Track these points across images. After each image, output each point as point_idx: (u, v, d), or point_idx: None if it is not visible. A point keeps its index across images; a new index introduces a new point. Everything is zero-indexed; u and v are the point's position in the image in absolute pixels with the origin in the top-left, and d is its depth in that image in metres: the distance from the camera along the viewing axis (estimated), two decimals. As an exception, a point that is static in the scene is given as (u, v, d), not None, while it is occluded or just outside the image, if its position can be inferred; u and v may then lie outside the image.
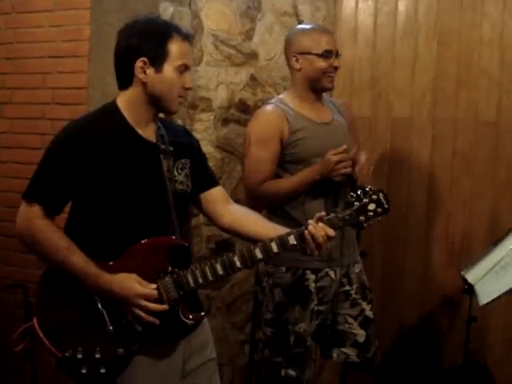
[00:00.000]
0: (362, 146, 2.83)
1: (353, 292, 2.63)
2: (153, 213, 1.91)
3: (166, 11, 2.93)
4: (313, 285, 2.54)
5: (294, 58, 2.57)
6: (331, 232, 1.92)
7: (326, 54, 2.54)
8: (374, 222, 1.97)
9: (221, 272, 1.89)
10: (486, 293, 2.56)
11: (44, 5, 3.07)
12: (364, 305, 2.65)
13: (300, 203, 2.52)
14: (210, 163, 2.23)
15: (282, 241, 1.91)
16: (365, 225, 1.96)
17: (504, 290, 2.53)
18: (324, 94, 2.70)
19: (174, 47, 1.89)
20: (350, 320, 2.62)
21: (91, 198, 1.88)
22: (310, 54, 2.54)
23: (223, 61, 3.19)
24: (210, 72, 3.12)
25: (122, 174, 1.87)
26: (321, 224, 1.92)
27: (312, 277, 2.54)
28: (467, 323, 2.77)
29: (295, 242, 1.92)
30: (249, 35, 3.33)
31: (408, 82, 3.47)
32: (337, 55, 2.58)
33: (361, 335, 2.62)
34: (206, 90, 3.10)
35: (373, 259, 3.44)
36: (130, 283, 1.84)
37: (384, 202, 1.96)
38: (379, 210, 1.95)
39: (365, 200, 1.94)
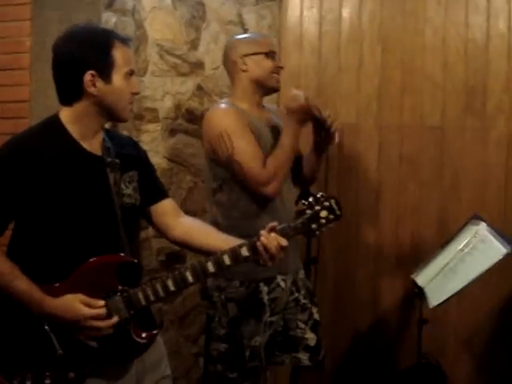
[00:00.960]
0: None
1: (301, 297, 2.65)
2: (100, 229, 1.86)
3: (109, 21, 2.88)
4: (266, 297, 2.53)
5: (241, 61, 2.58)
6: (284, 242, 1.89)
7: (272, 54, 2.61)
8: (325, 229, 1.97)
9: (172, 288, 1.85)
10: (436, 295, 2.58)
11: (-18, 16, 2.99)
12: (312, 308, 2.68)
13: (252, 216, 2.50)
14: (159, 174, 2.19)
15: (234, 253, 1.88)
16: (317, 233, 1.94)
17: (453, 292, 2.56)
18: None
19: (118, 54, 1.84)
20: (301, 325, 2.63)
21: (35, 216, 1.81)
22: (256, 54, 2.58)
23: (169, 71, 3.16)
24: (155, 82, 3.08)
25: (66, 189, 1.81)
26: (273, 234, 1.89)
27: (265, 289, 2.53)
28: (418, 326, 2.79)
29: (248, 254, 1.89)
30: (194, 44, 3.30)
31: (354, 89, 3.50)
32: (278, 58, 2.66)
33: (312, 339, 2.64)
34: (151, 101, 3.06)
35: (324, 265, 3.43)
36: (75, 306, 1.78)
37: (336, 208, 1.93)
38: (331, 216, 1.93)
39: (317, 207, 1.92)
